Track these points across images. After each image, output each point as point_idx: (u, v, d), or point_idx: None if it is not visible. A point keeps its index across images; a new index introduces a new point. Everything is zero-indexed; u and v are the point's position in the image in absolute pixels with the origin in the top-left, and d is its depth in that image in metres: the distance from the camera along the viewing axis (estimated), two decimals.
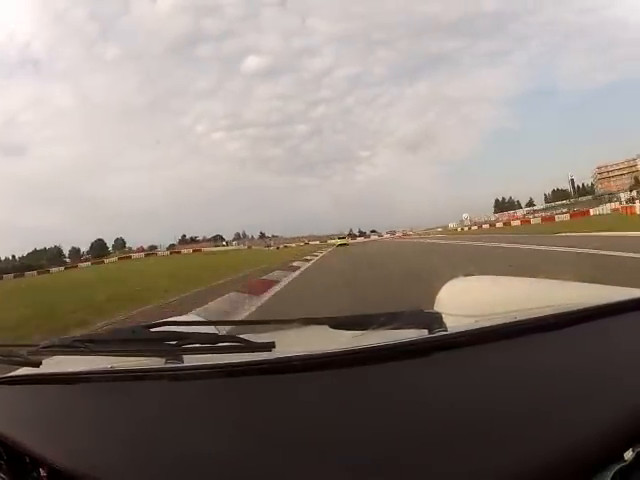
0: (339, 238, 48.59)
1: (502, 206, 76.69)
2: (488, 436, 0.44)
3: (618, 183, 64.70)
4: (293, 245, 65.29)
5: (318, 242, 65.36)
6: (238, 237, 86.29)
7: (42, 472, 0.54)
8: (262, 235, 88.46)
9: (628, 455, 0.42)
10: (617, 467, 0.42)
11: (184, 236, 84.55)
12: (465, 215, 69.50)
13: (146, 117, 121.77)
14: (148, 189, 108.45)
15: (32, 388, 0.75)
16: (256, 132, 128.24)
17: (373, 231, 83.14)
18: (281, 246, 63.49)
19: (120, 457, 0.50)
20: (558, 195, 70.85)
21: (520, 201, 77.71)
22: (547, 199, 71.37)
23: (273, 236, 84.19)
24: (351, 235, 76.19)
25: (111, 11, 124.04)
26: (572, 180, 67.43)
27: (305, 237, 78.29)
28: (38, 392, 0.73)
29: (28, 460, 0.55)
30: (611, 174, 67.32)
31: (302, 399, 0.55)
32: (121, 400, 0.63)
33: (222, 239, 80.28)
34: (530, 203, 74.57)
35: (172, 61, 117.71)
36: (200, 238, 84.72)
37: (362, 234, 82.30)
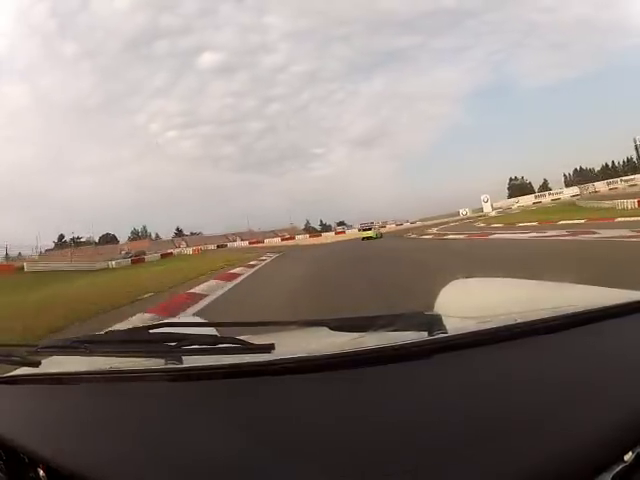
0: (364, 229, 35.82)
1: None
2: (489, 438, 0.44)
3: None
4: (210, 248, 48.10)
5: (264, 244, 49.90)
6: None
7: (41, 472, 0.53)
8: (178, 233, 70.49)
9: (628, 457, 0.43)
10: (617, 468, 0.42)
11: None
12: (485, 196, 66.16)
13: (100, 115, 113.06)
14: (99, 188, 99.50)
15: (31, 388, 0.75)
16: (210, 130, 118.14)
17: (341, 223, 73.07)
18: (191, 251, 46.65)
19: (119, 457, 0.50)
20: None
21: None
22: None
23: (192, 234, 67.81)
24: (309, 230, 68.87)
25: (66, 8, 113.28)
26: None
27: (237, 234, 63.62)
28: (37, 392, 0.73)
29: (27, 460, 0.55)
30: None
31: (302, 401, 0.55)
32: (120, 401, 0.63)
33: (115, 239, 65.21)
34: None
35: (128, 58, 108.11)
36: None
37: (325, 228, 73.31)
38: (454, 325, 0.69)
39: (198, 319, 1.13)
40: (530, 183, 74.15)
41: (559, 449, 0.42)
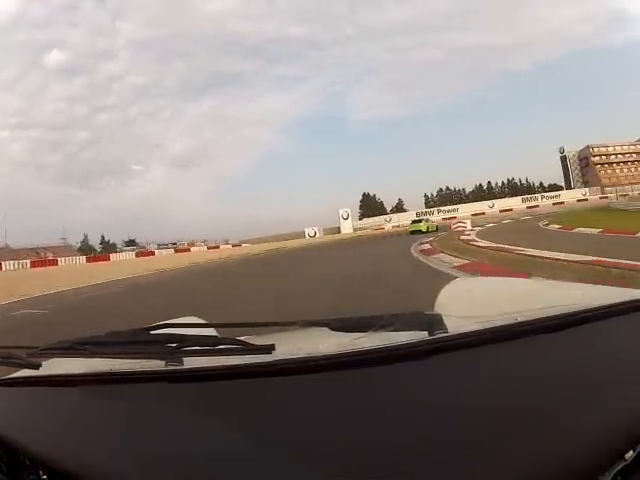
0: (414, 222, 32.08)
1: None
2: (490, 438, 0.44)
3: None
4: None
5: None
6: None
7: (42, 474, 0.53)
8: None
9: (629, 455, 0.43)
10: (618, 467, 0.42)
11: None
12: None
13: None
14: None
15: (31, 390, 0.75)
16: (40, 134, 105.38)
17: (131, 242, 64.15)
18: None
19: (120, 459, 0.50)
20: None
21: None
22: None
23: None
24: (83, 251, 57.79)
25: None
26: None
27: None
28: (38, 394, 0.73)
29: (28, 462, 0.55)
30: None
31: (302, 401, 0.55)
32: (121, 402, 0.62)
33: None
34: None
35: None
36: None
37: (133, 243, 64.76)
38: (454, 325, 0.68)
39: (198, 320, 1.10)
40: (382, 202, 73.79)
41: (560, 448, 0.42)
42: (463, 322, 0.74)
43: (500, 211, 64.94)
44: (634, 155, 69.53)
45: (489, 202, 65.84)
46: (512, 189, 71.65)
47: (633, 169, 68.98)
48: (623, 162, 69.36)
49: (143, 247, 63.21)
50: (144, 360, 0.71)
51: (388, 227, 61.05)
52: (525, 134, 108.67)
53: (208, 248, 54.52)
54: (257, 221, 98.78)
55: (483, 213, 57.26)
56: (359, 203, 73.97)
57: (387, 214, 67.94)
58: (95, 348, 0.71)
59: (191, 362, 0.68)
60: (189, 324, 0.92)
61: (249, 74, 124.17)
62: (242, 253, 28.99)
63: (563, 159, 69.74)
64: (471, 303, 1.08)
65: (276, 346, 0.62)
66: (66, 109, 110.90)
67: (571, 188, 67.16)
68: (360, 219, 68.90)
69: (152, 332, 0.74)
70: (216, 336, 0.81)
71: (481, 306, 1.00)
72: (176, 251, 53.59)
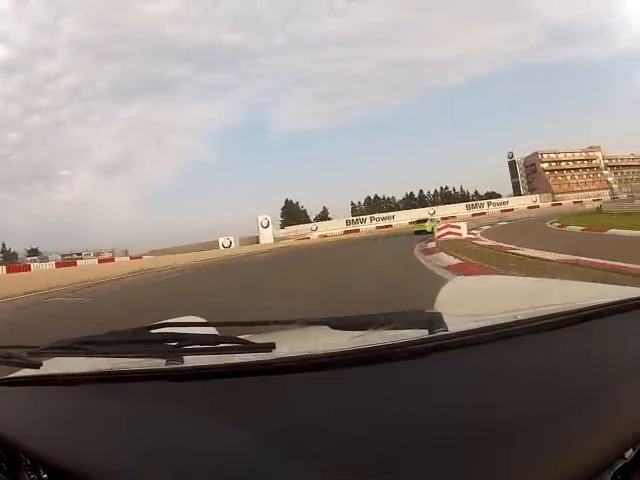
0: (418, 222, 30.77)
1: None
2: (489, 436, 0.44)
3: None
4: None
5: None
6: None
7: (42, 473, 0.53)
8: None
9: (629, 454, 0.43)
10: (618, 466, 0.43)
11: None
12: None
13: None
14: None
15: (32, 389, 0.75)
16: None
17: (33, 252, 56.09)
18: None
19: (120, 458, 0.50)
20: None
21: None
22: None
23: None
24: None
25: None
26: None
27: None
28: (38, 393, 0.73)
29: (28, 461, 0.55)
30: None
31: (302, 399, 0.55)
32: (121, 401, 0.62)
33: None
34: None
35: None
36: None
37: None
38: (454, 323, 0.68)
39: (198, 319, 1.12)
40: (305, 210, 68.19)
41: (560, 446, 0.42)
42: (463, 320, 0.75)
43: (442, 218, 57.85)
44: (585, 162, 65.33)
45: (429, 209, 59.39)
46: (445, 197, 68.56)
47: (585, 176, 64.57)
48: (574, 169, 64.91)
49: (45, 257, 54.60)
50: (144, 359, 0.71)
51: (314, 236, 53.66)
52: (460, 144, 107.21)
53: (99, 262, 45.14)
54: (172, 230, 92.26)
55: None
56: (281, 211, 67.97)
57: (311, 222, 61.27)
58: (95, 347, 0.71)
59: (191, 361, 0.68)
60: (189, 323, 0.92)
61: (179, 80, 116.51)
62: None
63: (512, 165, 65.05)
64: (471, 301, 1.09)
65: (276, 344, 0.61)
66: (2, 108, 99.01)
67: (520, 194, 61.76)
68: (282, 227, 62.20)
69: (152, 331, 0.74)
70: (216, 335, 0.82)
71: (481, 304, 1.01)
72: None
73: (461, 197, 69.01)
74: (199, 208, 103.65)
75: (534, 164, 64.66)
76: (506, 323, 0.65)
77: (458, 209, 58.23)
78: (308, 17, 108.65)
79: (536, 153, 64.50)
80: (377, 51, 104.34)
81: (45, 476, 0.53)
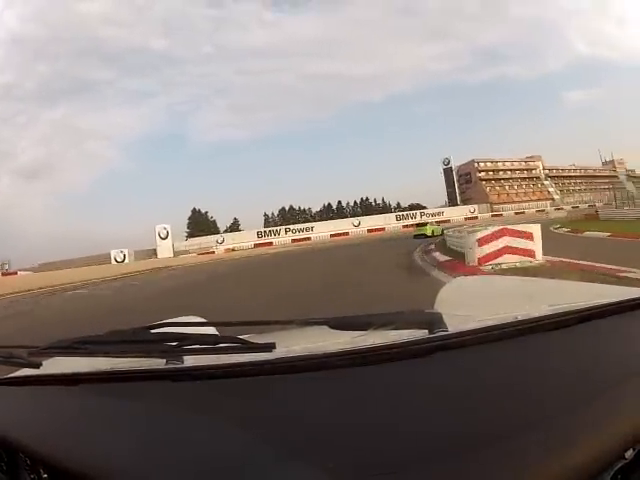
0: (418, 225, 29.90)
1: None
2: (489, 436, 0.44)
3: None
4: None
5: None
6: None
7: (42, 473, 0.53)
8: None
9: (629, 454, 0.43)
10: (618, 466, 0.43)
11: None
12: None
13: None
14: None
15: (32, 389, 0.74)
16: None
17: None
18: None
19: (121, 458, 0.50)
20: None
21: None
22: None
23: None
24: None
25: None
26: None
27: None
28: (38, 393, 0.73)
29: (29, 461, 0.55)
30: None
31: (303, 399, 0.55)
32: (122, 401, 0.62)
33: None
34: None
35: None
36: None
37: None
38: (455, 323, 0.69)
39: (198, 319, 1.12)
40: (215, 220, 63.71)
41: (560, 447, 0.42)
42: (463, 320, 0.75)
43: (368, 231, 50.96)
44: (525, 172, 61.47)
45: (354, 219, 53.49)
46: (366, 209, 65.03)
47: (525, 186, 60.64)
48: (513, 179, 60.91)
49: None
50: (144, 359, 0.70)
51: (219, 250, 45.94)
52: (386, 157, 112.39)
53: None
54: (70, 241, 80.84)
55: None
56: (187, 221, 62.09)
57: (221, 234, 54.08)
58: (95, 347, 0.71)
59: (191, 360, 0.68)
60: (189, 323, 0.92)
61: (103, 84, 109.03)
62: None
63: (447, 173, 60.54)
64: (471, 302, 1.08)
65: (276, 344, 0.61)
66: None
67: (456, 204, 56.89)
68: (188, 238, 56.12)
69: (152, 331, 0.74)
70: (216, 334, 0.83)
71: (481, 305, 1.01)
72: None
73: (382, 208, 65.57)
74: (102, 217, 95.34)
75: (469, 173, 60.56)
76: (506, 323, 0.65)
77: (387, 220, 52.59)
78: (237, 27, 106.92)
79: (472, 161, 60.94)
80: (301, 64, 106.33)
81: (45, 476, 0.53)
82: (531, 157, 64.02)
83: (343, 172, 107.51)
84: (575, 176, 67.11)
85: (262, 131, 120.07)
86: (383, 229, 50.51)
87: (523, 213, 50.70)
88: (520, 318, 0.66)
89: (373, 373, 0.57)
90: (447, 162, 61.82)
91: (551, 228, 18.89)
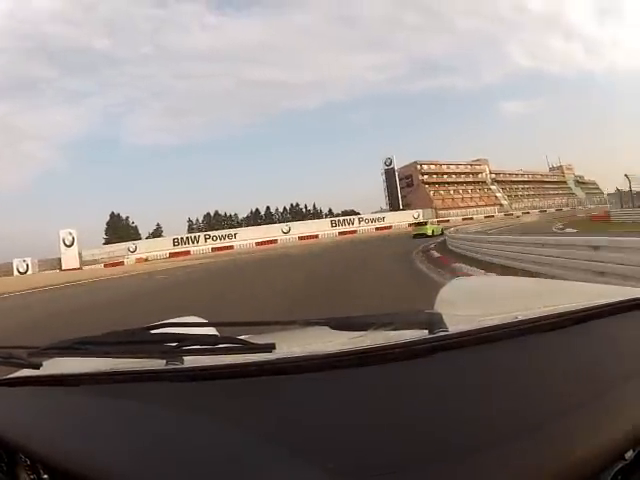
0: (417, 224, 27.95)
1: None
2: (490, 437, 0.44)
3: None
4: None
5: None
6: None
7: (42, 474, 0.53)
8: None
9: (629, 455, 0.43)
10: (618, 466, 0.43)
11: None
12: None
13: None
14: None
15: (32, 390, 0.74)
16: None
17: None
18: None
19: (121, 458, 0.50)
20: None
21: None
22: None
23: None
24: None
25: None
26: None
27: None
28: (38, 394, 0.73)
29: (28, 462, 0.55)
30: None
31: (303, 400, 0.55)
32: (121, 402, 0.62)
33: None
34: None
35: None
36: None
37: None
38: (455, 323, 0.69)
39: (198, 319, 1.11)
40: (136, 226, 58.10)
41: (560, 447, 0.42)
42: (463, 321, 0.75)
43: (300, 238, 47.14)
44: (471, 176, 59.49)
45: (284, 225, 49.48)
46: (296, 215, 61.31)
47: (471, 190, 58.50)
48: (458, 183, 58.74)
49: None
50: (144, 359, 0.70)
51: (130, 260, 40.74)
52: (320, 164, 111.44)
53: None
54: None
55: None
56: (105, 226, 55.61)
57: (133, 241, 48.24)
58: (96, 348, 0.71)
59: (191, 361, 0.68)
60: (189, 323, 0.92)
61: (43, 83, 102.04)
62: None
63: (389, 175, 57.22)
64: (471, 302, 1.08)
65: (277, 345, 0.61)
66: None
67: (399, 209, 54.01)
68: (105, 244, 49.80)
69: (152, 332, 0.74)
70: (216, 335, 0.83)
71: (481, 305, 1.01)
72: None
73: (313, 215, 61.95)
74: (13, 222, 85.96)
75: (410, 176, 57.93)
76: (506, 323, 0.65)
77: (320, 226, 48.99)
78: (178, 29, 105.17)
79: (415, 163, 57.97)
80: (238, 70, 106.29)
81: (45, 476, 0.53)
82: (477, 160, 62.30)
83: (276, 179, 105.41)
84: (523, 181, 65.99)
85: (194, 136, 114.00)
86: (316, 236, 46.84)
87: (471, 219, 48.23)
88: (520, 318, 0.66)
89: (373, 373, 0.57)
90: (389, 162, 57.36)
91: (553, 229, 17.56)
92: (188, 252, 43.41)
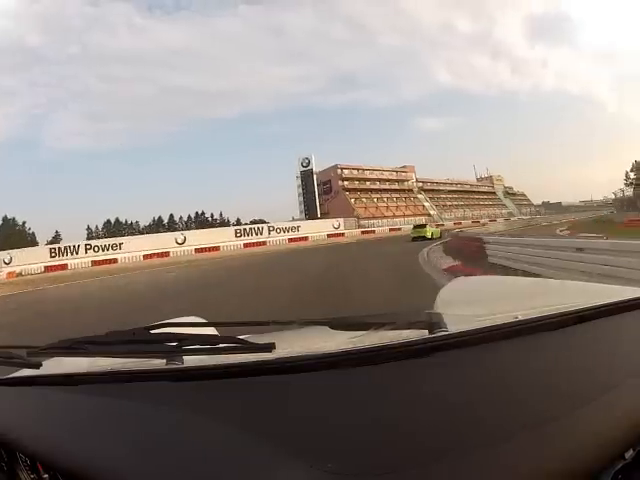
0: (416, 227, 26.73)
1: None
2: (490, 436, 0.44)
3: None
4: None
5: None
6: None
7: (42, 473, 0.53)
8: None
9: (629, 454, 0.43)
10: (618, 466, 0.43)
11: None
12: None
13: None
14: None
15: (32, 389, 0.74)
16: None
17: None
18: None
19: (121, 457, 0.50)
20: None
21: None
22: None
23: None
24: None
25: None
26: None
27: None
28: (38, 393, 0.72)
29: (28, 461, 0.55)
30: None
31: (303, 399, 0.55)
32: (122, 401, 0.62)
33: None
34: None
35: None
36: None
37: None
38: (455, 323, 0.69)
39: (198, 319, 1.11)
40: (34, 233, 51.19)
41: (560, 447, 0.42)
42: (463, 321, 0.75)
43: (196, 250, 39.13)
44: (397, 183, 55.64)
45: (178, 234, 42.22)
46: (201, 223, 57.85)
47: (396, 199, 54.54)
48: (383, 190, 54.65)
49: None
50: (145, 359, 0.71)
51: (1, 275, 30.82)
52: (235, 173, 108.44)
53: None
54: None
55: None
56: None
57: (8, 251, 38.14)
58: (96, 347, 0.72)
59: (191, 361, 0.68)
60: (189, 323, 0.92)
61: None
62: None
63: (306, 178, 51.82)
64: (471, 302, 1.08)
65: (276, 344, 0.61)
66: None
67: (316, 217, 48.66)
68: None
69: (152, 331, 0.74)
70: (216, 335, 0.83)
71: (481, 305, 1.01)
72: None
73: (220, 224, 57.32)
74: None
75: (329, 181, 53.14)
76: (506, 323, 0.65)
77: (223, 236, 42.26)
78: (107, 29, 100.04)
79: (335, 167, 52.75)
80: (160, 75, 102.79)
81: (45, 476, 0.53)
82: (403, 167, 59.11)
83: (187, 187, 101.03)
84: (451, 190, 63.81)
85: (108, 140, 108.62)
86: (218, 248, 39.96)
87: (399, 229, 44.04)
88: (520, 318, 0.66)
89: (373, 373, 0.57)
90: (307, 163, 50.32)
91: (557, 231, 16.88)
92: (65, 266, 33.99)
